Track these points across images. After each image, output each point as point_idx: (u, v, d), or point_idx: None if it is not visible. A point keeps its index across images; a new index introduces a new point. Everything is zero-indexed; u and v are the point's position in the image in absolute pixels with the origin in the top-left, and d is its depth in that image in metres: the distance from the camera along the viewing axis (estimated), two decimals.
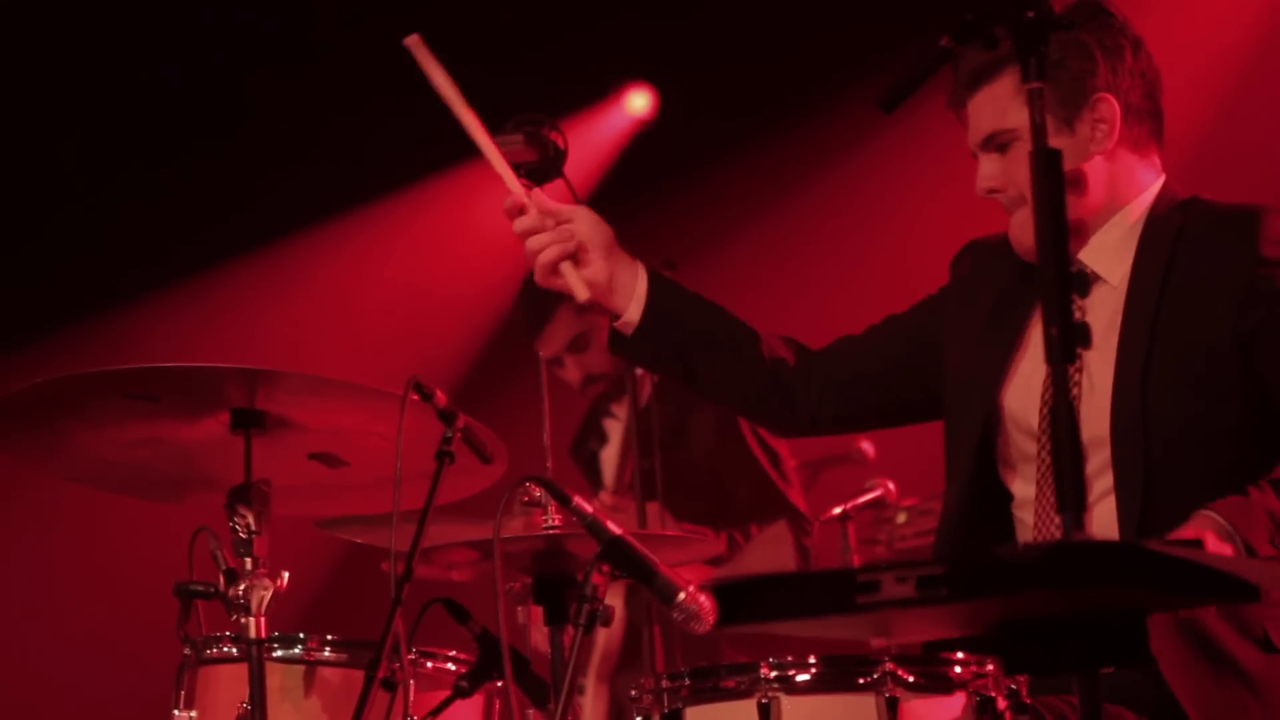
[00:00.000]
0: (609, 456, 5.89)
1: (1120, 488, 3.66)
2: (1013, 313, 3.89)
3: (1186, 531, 3.46)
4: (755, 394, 4.04)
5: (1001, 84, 3.79)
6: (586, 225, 3.81)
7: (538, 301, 5.92)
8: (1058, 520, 3.67)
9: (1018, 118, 3.77)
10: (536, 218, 3.78)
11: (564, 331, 5.88)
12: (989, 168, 3.84)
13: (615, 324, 3.90)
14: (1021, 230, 3.82)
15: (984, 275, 3.99)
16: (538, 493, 3.68)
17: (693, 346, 3.95)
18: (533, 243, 3.78)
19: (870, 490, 5.73)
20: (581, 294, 3.78)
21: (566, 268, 3.78)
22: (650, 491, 4.99)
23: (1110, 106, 3.76)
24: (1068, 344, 2.58)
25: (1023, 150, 3.78)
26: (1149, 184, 3.83)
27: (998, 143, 3.82)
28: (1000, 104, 3.80)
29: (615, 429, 5.88)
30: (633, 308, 3.88)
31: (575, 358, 5.87)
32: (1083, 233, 3.80)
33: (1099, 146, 3.77)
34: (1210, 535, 3.41)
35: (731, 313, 4.02)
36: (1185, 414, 3.67)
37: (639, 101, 7.90)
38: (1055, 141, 3.69)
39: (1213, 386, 3.67)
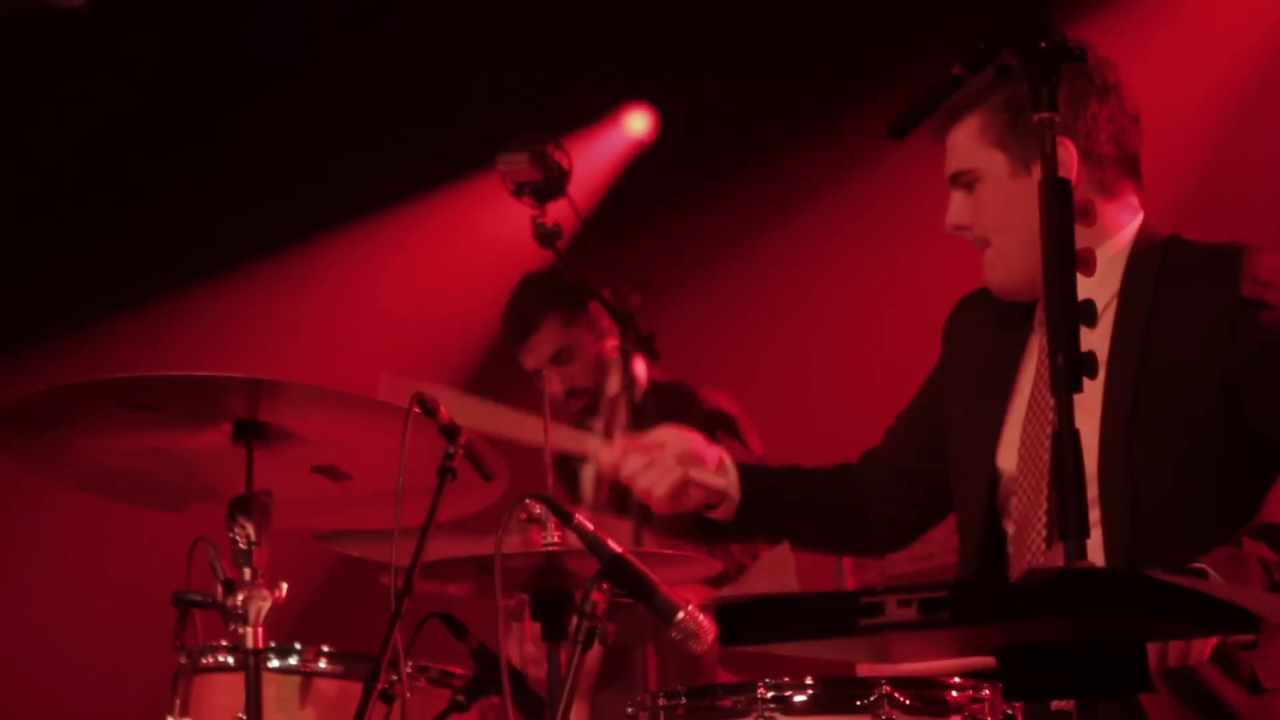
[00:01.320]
0: (588, 474, 5.88)
1: (1107, 524, 3.65)
2: (1003, 362, 3.90)
3: None
4: (835, 547, 4.51)
5: (968, 124, 3.81)
6: (677, 441, 3.87)
7: (523, 314, 5.92)
8: (1038, 547, 3.70)
9: (981, 159, 3.80)
10: (633, 457, 3.84)
11: (548, 344, 5.88)
12: (957, 204, 3.86)
13: (707, 514, 3.94)
14: (990, 269, 3.85)
15: (975, 330, 4.00)
16: (538, 509, 3.68)
17: (779, 525, 3.98)
18: (643, 481, 3.83)
19: None
20: (718, 486, 3.87)
21: (696, 474, 3.85)
22: (629, 509, 4.96)
23: (1066, 152, 3.69)
24: (1074, 373, 2.59)
25: (986, 191, 3.81)
26: (1124, 224, 3.83)
27: (963, 181, 3.84)
28: (966, 144, 3.82)
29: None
30: (727, 505, 3.93)
31: (559, 370, 5.87)
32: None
33: None
34: None
35: (805, 475, 4.10)
36: (1172, 451, 3.67)
37: (638, 122, 7.89)
38: (1013, 183, 3.74)
39: (1199, 424, 3.67)
